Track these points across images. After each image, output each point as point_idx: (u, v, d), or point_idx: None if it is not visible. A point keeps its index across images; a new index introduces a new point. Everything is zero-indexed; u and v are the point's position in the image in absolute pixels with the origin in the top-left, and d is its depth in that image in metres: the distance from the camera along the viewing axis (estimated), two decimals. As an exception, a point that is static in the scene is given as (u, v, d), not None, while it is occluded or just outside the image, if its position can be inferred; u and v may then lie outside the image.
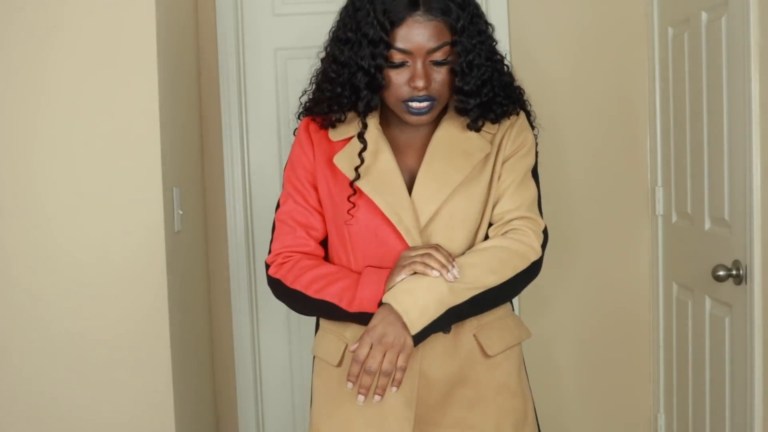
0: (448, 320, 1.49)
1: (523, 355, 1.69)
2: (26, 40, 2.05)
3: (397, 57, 1.48)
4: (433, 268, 1.45)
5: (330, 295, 1.53)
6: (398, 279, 1.47)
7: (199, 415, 2.50)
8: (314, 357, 1.69)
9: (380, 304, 1.48)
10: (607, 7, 2.72)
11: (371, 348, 1.44)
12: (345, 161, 1.58)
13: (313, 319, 1.75)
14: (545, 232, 1.61)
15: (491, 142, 1.60)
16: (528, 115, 1.66)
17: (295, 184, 1.64)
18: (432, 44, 1.47)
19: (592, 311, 2.79)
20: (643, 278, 2.78)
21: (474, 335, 1.59)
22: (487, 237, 1.60)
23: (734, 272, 2.08)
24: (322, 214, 1.64)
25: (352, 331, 1.59)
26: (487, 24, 1.55)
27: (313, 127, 1.64)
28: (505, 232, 1.57)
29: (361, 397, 1.44)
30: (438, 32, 1.47)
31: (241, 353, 2.80)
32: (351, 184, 1.56)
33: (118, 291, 2.10)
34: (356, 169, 1.55)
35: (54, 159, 2.08)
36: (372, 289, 1.49)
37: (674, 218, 2.58)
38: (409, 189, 1.56)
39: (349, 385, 1.45)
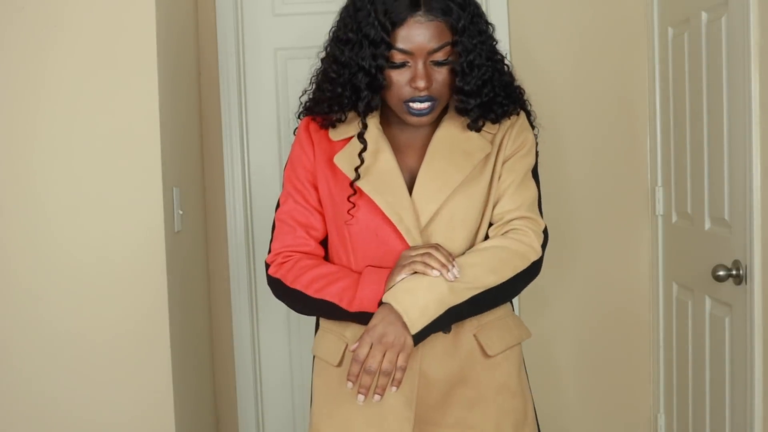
0: (448, 320, 1.49)
1: (523, 355, 1.69)
2: (26, 40, 2.05)
3: (398, 57, 1.48)
4: (433, 267, 1.45)
5: (330, 294, 1.54)
6: (398, 278, 1.47)
7: (199, 415, 2.50)
8: (314, 357, 1.69)
9: (380, 303, 1.48)
10: (607, 7, 2.72)
11: (371, 347, 1.44)
12: (345, 161, 1.58)
13: (313, 319, 1.75)
14: (545, 232, 1.61)
15: (491, 142, 1.60)
16: (528, 114, 1.66)
17: (295, 184, 1.64)
18: (433, 44, 1.47)
19: (592, 311, 2.79)
20: (643, 278, 2.78)
21: (474, 335, 1.59)
22: (487, 237, 1.60)
23: (734, 272, 2.08)
24: (322, 214, 1.64)
25: (352, 330, 1.59)
26: (487, 24, 1.55)
27: (313, 126, 1.64)
28: (506, 232, 1.57)
29: (361, 397, 1.44)
30: (439, 32, 1.47)
31: (241, 353, 2.80)
32: (351, 184, 1.56)
33: (118, 291, 2.10)
34: (356, 169, 1.55)
35: (54, 159, 2.08)
36: (372, 288, 1.49)
37: (674, 218, 2.58)
38: (410, 189, 1.56)
39: (349, 384, 1.45)
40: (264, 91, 2.79)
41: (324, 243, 1.66)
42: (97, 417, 2.11)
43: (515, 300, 2.50)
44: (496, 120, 1.59)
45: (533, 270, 1.58)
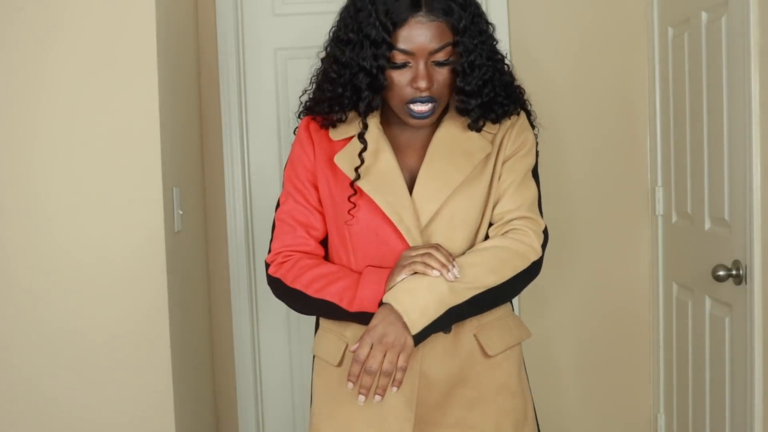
0: (448, 320, 1.49)
1: (523, 355, 1.69)
2: (26, 40, 2.05)
3: (399, 58, 1.48)
4: (433, 267, 1.45)
5: (330, 294, 1.53)
6: (399, 279, 1.47)
7: (199, 415, 2.50)
8: (314, 357, 1.69)
9: (381, 304, 1.48)
10: (607, 7, 2.72)
11: (372, 348, 1.44)
12: (345, 161, 1.58)
13: (313, 318, 1.75)
14: (545, 232, 1.61)
15: (492, 142, 1.60)
16: (528, 114, 1.66)
17: (296, 183, 1.64)
18: (434, 45, 1.47)
19: (592, 311, 2.79)
20: (643, 278, 2.78)
21: (474, 335, 1.59)
22: (487, 237, 1.60)
23: (734, 272, 2.08)
24: (322, 214, 1.64)
25: (352, 330, 1.59)
26: (487, 23, 1.55)
27: (313, 126, 1.64)
28: (506, 232, 1.57)
29: (361, 397, 1.44)
30: (440, 33, 1.47)
31: (241, 353, 2.80)
32: (351, 184, 1.56)
33: (118, 291, 2.10)
34: (356, 169, 1.55)
35: (54, 159, 2.08)
36: (372, 288, 1.49)
37: (674, 218, 2.58)
38: (410, 189, 1.56)
39: (350, 385, 1.45)
40: (264, 91, 2.80)
41: (324, 243, 1.66)
42: (97, 417, 2.11)
43: (515, 300, 2.50)
44: (497, 120, 1.59)
45: (533, 270, 1.58)
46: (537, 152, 1.65)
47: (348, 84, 1.52)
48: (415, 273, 1.47)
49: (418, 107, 1.51)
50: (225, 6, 2.74)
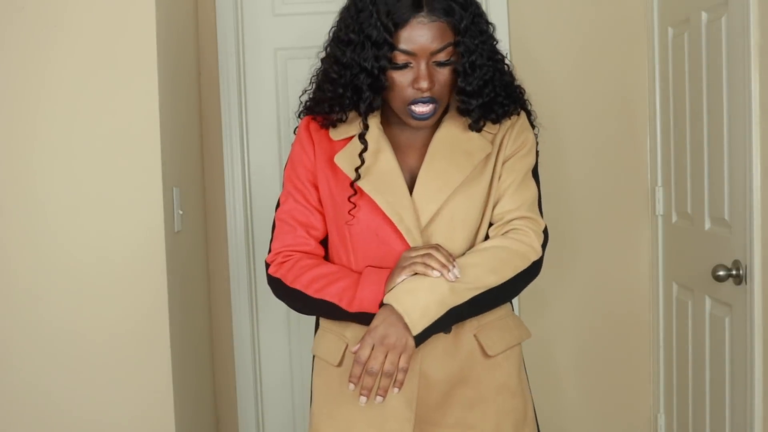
0: (449, 321, 1.49)
1: (522, 355, 1.69)
2: (26, 40, 2.05)
3: (401, 58, 1.48)
4: (433, 268, 1.45)
5: (330, 294, 1.53)
6: (399, 280, 1.47)
7: (199, 415, 2.50)
8: (314, 356, 1.69)
9: (381, 304, 1.48)
10: (607, 7, 2.72)
11: (373, 349, 1.43)
12: (346, 161, 1.57)
13: (313, 318, 1.75)
14: (545, 231, 1.61)
15: (492, 142, 1.59)
16: (528, 114, 1.66)
17: (296, 183, 1.64)
18: (435, 45, 1.47)
19: (592, 311, 2.79)
20: (643, 278, 2.78)
21: (474, 335, 1.59)
22: (487, 237, 1.60)
23: (734, 272, 2.08)
24: (322, 213, 1.64)
25: (352, 330, 1.59)
26: (487, 23, 1.55)
27: (313, 126, 1.64)
28: (506, 232, 1.57)
29: (363, 398, 1.44)
30: (441, 33, 1.47)
31: (241, 353, 2.80)
32: (351, 184, 1.55)
33: (118, 291, 2.10)
34: (357, 169, 1.55)
35: (54, 159, 2.08)
36: (372, 289, 1.49)
37: (674, 218, 2.58)
38: (410, 189, 1.56)
39: (351, 386, 1.45)
40: (264, 91, 2.80)
41: (324, 242, 1.66)
42: (97, 417, 2.11)
43: (515, 300, 2.50)
44: (497, 120, 1.59)
45: (534, 270, 1.57)
46: (537, 152, 1.65)
47: (349, 84, 1.52)
48: (416, 274, 1.47)
49: (420, 108, 1.51)
50: (225, 6, 2.74)
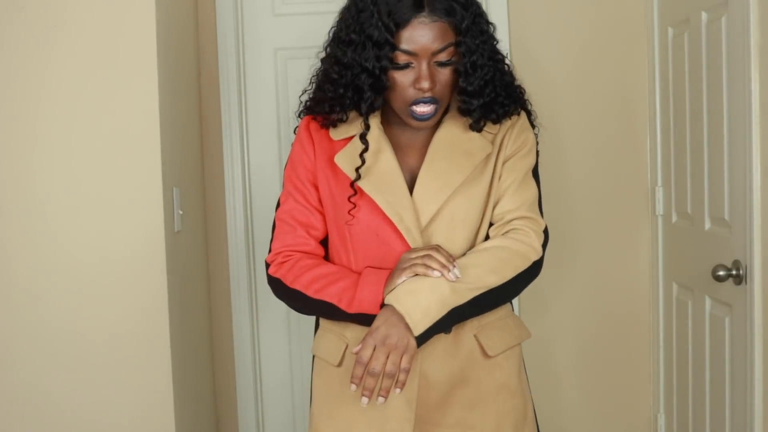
0: (450, 321, 1.49)
1: (522, 356, 1.69)
2: (26, 40, 2.05)
3: (402, 58, 1.48)
4: (433, 269, 1.45)
5: (329, 295, 1.53)
6: (399, 281, 1.47)
7: (199, 415, 2.50)
8: (314, 356, 1.69)
9: (383, 305, 1.47)
10: (607, 7, 2.72)
11: (374, 350, 1.43)
12: (346, 161, 1.57)
13: (313, 318, 1.75)
14: (546, 231, 1.61)
15: (492, 142, 1.59)
16: (529, 114, 1.66)
17: (296, 183, 1.64)
18: (437, 45, 1.47)
19: (592, 311, 2.79)
20: (643, 278, 2.78)
21: (474, 335, 1.59)
22: (487, 237, 1.60)
23: (734, 272, 2.08)
24: (322, 213, 1.64)
25: (352, 330, 1.59)
26: (488, 23, 1.55)
27: (314, 125, 1.64)
28: (506, 232, 1.57)
29: (365, 399, 1.44)
30: (442, 33, 1.47)
31: (241, 353, 2.80)
32: (352, 184, 1.55)
33: (118, 291, 2.10)
34: (357, 169, 1.55)
35: (54, 159, 2.08)
36: (371, 290, 1.49)
37: (674, 218, 2.58)
38: (410, 189, 1.56)
39: (353, 387, 1.45)
40: (264, 91, 2.80)
41: (324, 242, 1.66)
42: (97, 417, 2.11)
43: (515, 300, 2.50)
44: (497, 120, 1.59)
45: (534, 270, 1.57)
46: (537, 152, 1.65)
47: (350, 85, 1.52)
48: (416, 275, 1.47)
49: (421, 108, 1.51)
50: (225, 6, 2.74)
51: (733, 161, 2.09)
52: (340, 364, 1.60)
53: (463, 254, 1.55)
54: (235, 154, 2.77)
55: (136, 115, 2.08)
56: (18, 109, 2.07)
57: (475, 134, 1.58)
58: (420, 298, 1.44)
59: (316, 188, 1.63)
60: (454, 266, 1.46)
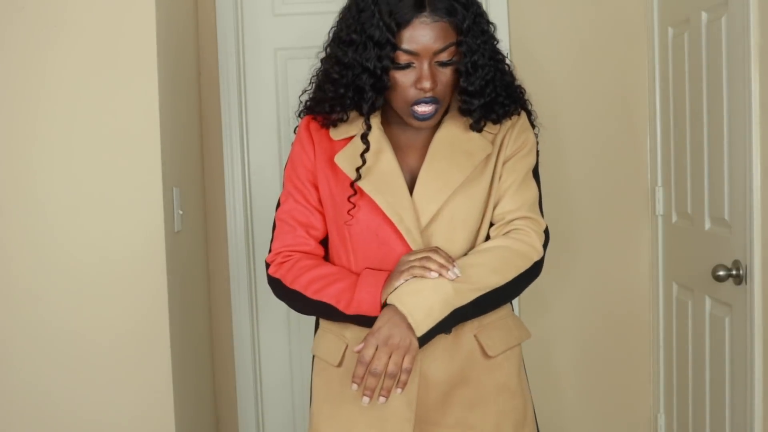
0: (452, 321, 1.49)
1: (522, 356, 1.69)
2: (26, 40, 2.05)
3: (403, 58, 1.48)
4: (431, 270, 1.45)
5: (328, 296, 1.53)
6: (397, 284, 1.47)
7: (199, 415, 2.50)
8: (314, 356, 1.69)
9: (384, 305, 1.47)
10: (607, 7, 2.72)
11: (377, 350, 1.43)
12: (346, 161, 1.57)
13: (313, 318, 1.75)
14: (546, 232, 1.61)
15: (492, 143, 1.59)
16: (529, 114, 1.66)
17: (296, 183, 1.64)
18: (438, 45, 1.47)
19: (592, 311, 2.79)
20: (643, 278, 2.78)
21: (475, 336, 1.59)
22: (488, 237, 1.60)
23: (734, 272, 2.08)
24: (322, 213, 1.64)
25: (352, 331, 1.59)
26: (488, 23, 1.55)
27: (314, 125, 1.64)
28: (507, 232, 1.57)
29: (366, 399, 1.43)
30: (444, 33, 1.47)
31: (241, 353, 2.80)
32: (352, 184, 1.55)
33: (118, 291, 2.10)
34: (357, 169, 1.55)
35: (54, 159, 2.08)
36: (369, 291, 1.49)
37: (674, 218, 2.58)
38: (411, 189, 1.56)
39: (354, 386, 1.44)
40: (264, 91, 2.80)
41: (324, 242, 1.66)
42: (97, 417, 2.11)
43: (515, 300, 2.50)
44: (498, 120, 1.59)
45: (535, 270, 1.57)
46: (537, 152, 1.65)
47: (350, 85, 1.52)
48: (414, 277, 1.47)
49: (422, 108, 1.51)
50: (225, 6, 2.74)
51: (733, 161, 2.09)
52: (340, 365, 1.60)
53: (464, 254, 1.55)
54: (235, 154, 2.77)
55: (136, 115, 2.08)
56: (18, 109, 2.07)
57: (475, 134, 1.58)
58: (423, 299, 1.44)
59: (316, 188, 1.63)
60: (454, 266, 1.46)
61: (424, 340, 1.46)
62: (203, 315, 2.67)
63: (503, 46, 1.65)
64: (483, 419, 1.57)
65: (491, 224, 1.60)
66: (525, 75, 1.75)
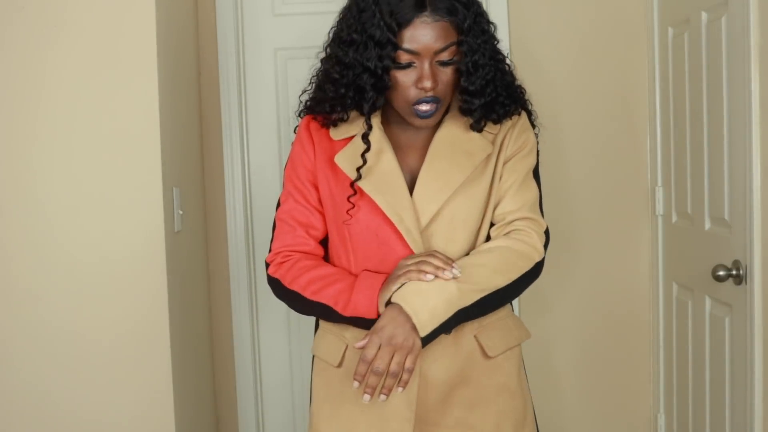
0: (455, 322, 1.48)
1: (522, 356, 1.69)
2: (26, 40, 2.05)
3: (404, 58, 1.48)
4: (426, 272, 1.45)
5: (326, 297, 1.53)
6: (394, 288, 1.47)
7: (199, 415, 2.50)
8: (314, 356, 1.69)
9: (389, 303, 1.47)
10: (607, 7, 2.72)
11: (379, 349, 1.43)
12: (346, 161, 1.57)
13: (313, 318, 1.75)
14: (547, 232, 1.61)
15: (493, 143, 1.59)
16: (529, 114, 1.66)
17: (296, 183, 1.64)
18: (439, 45, 1.47)
19: (592, 311, 2.79)
20: (643, 278, 2.78)
21: (474, 336, 1.59)
22: (488, 238, 1.60)
23: (734, 272, 2.08)
24: (322, 213, 1.64)
25: (352, 332, 1.58)
26: (489, 23, 1.55)
27: (314, 125, 1.64)
28: (508, 233, 1.57)
29: (367, 396, 1.43)
30: (445, 32, 1.47)
31: (241, 353, 2.80)
32: (352, 184, 1.55)
33: (118, 291, 2.10)
34: (358, 169, 1.55)
35: (54, 159, 2.08)
36: (366, 294, 1.49)
37: (674, 218, 2.58)
38: (411, 189, 1.56)
39: (355, 384, 1.44)
40: (264, 91, 2.80)
41: (324, 242, 1.65)
42: (97, 417, 2.11)
43: (515, 300, 2.50)
44: (498, 120, 1.59)
45: (536, 271, 1.57)
46: (537, 152, 1.65)
47: (351, 84, 1.52)
48: (410, 281, 1.46)
49: (423, 106, 1.51)
50: (225, 6, 2.74)
51: (733, 161, 2.09)
52: (340, 365, 1.60)
53: (464, 255, 1.55)
54: (235, 154, 2.77)
55: (136, 115, 2.08)
56: (18, 109, 2.07)
57: (475, 134, 1.58)
58: (428, 299, 1.44)
59: (316, 188, 1.63)
60: (452, 267, 1.45)
61: (427, 340, 1.45)
62: (203, 315, 2.67)
63: (503, 46, 1.65)
64: (483, 419, 1.57)
65: (491, 224, 1.60)
66: (525, 75, 1.75)
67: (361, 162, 1.55)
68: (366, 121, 1.55)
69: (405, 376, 1.44)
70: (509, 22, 2.71)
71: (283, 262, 1.61)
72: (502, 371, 1.60)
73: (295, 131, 1.70)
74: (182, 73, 2.45)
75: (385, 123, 1.62)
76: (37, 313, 2.09)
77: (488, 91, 1.54)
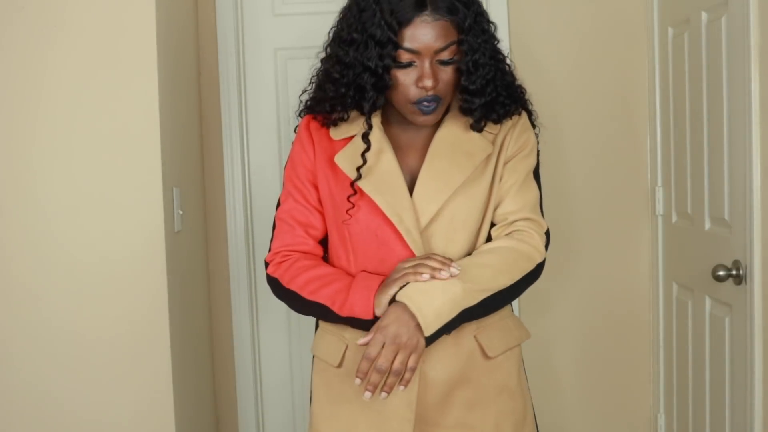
0: (458, 322, 1.48)
1: (522, 356, 1.69)
2: (26, 40, 2.05)
3: (405, 57, 1.48)
4: (423, 273, 1.44)
5: (323, 297, 1.53)
6: (391, 292, 1.46)
7: (199, 415, 2.50)
8: (314, 356, 1.69)
9: (392, 301, 1.46)
10: (607, 7, 2.72)
11: (383, 347, 1.43)
12: (346, 160, 1.57)
13: (313, 318, 1.75)
14: (547, 233, 1.61)
15: (493, 143, 1.59)
16: (530, 114, 1.66)
17: (296, 183, 1.64)
18: (439, 44, 1.47)
19: (592, 311, 2.79)
20: (643, 278, 2.78)
21: (474, 336, 1.58)
22: (489, 238, 1.59)
23: (734, 272, 2.08)
24: (322, 213, 1.64)
25: (351, 332, 1.58)
26: (489, 22, 1.55)
27: (314, 125, 1.64)
28: (510, 233, 1.57)
29: (368, 393, 1.43)
30: (445, 31, 1.47)
31: (241, 353, 2.80)
32: (352, 184, 1.55)
33: (118, 291, 2.10)
34: (358, 169, 1.55)
35: (54, 159, 2.08)
36: (363, 294, 1.49)
37: (674, 218, 2.58)
38: (411, 189, 1.56)
39: (357, 381, 1.44)
40: (264, 91, 2.80)
41: (324, 242, 1.65)
42: (97, 417, 2.11)
43: (515, 301, 2.50)
44: (498, 120, 1.58)
45: (537, 271, 1.57)
46: (538, 152, 1.65)
47: (352, 84, 1.52)
48: (408, 283, 1.46)
49: (424, 104, 1.51)
50: (225, 6, 2.74)
51: (733, 161, 2.09)
52: (340, 365, 1.60)
53: (464, 255, 1.55)
54: (235, 154, 2.77)
55: (136, 115, 2.08)
56: (18, 109, 2.07)
57: (475, 134, 1.58)
58: (433, 298, 1.43)
59: (316, 188, 1.63)
60: (450, 266, 1.45)
61: (430, 339, 1.45)
62: (203, 315, 2.67)
63: (503, 45, 1.65)
64: (483, 420, 1.57)
65: (492, 225, 1.60)
66: (525, 75, 1.75)
67: (361, 162, 1.55)
68: (366, 120, 1.54)
69: (407, 375, 1.44)
70: (509, 22, 2.71)
71: (282, 261, 1.61)
72: (502, 371, 1.60)
73: (295, 131, 1.70)
74: (182, 73, 2.45)
75: (386, 123, 1.62)
76: (37, 313, 2.09)
77: (488, 91, 1.54)
